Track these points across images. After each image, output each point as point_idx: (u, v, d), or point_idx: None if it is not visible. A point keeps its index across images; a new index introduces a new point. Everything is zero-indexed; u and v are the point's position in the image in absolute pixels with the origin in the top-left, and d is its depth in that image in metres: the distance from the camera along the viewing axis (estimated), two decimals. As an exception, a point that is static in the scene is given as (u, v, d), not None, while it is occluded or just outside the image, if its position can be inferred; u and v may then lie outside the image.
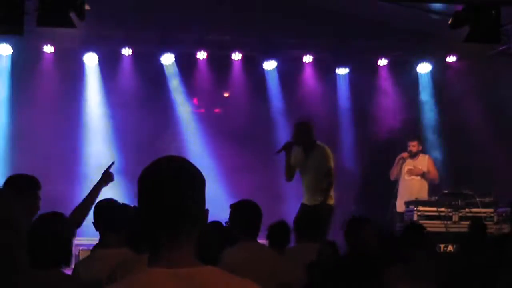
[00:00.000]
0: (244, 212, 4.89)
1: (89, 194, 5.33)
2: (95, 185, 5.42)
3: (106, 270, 3.90)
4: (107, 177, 5.47)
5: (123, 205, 4.70)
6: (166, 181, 1.92)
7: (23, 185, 4.80)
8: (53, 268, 3.40)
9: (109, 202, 4.65)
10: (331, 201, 8.09)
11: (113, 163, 5.66)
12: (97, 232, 4.71)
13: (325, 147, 8.27)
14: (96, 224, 4.63)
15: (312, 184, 8.12)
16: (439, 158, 10.91)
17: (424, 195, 9.60)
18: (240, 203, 4.99)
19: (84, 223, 5.14)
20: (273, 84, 11.59)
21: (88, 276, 4.08)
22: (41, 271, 3.31)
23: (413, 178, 9.89)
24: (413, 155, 9.85)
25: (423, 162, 9.92)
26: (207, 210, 1.99)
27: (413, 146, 9.89)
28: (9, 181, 4.82)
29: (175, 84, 11.44)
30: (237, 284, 1.94)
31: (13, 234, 1.87)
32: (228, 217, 5.00)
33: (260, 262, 4.49)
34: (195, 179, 1.97)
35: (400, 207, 9.51)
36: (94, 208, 4.69)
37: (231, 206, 4.99)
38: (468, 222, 8.44)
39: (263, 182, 10.46)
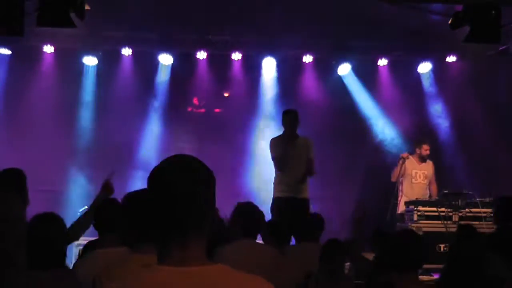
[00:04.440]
0: (246, 212, 4.93)
1: (89, 207, 5.11)
2: (95, 198, 5.14)
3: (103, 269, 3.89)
4: (107, 188, 5.15)
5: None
6: (178, 180, 1.92)
7: (12, 179, 4.78)
8: (47, 270, 3.39)
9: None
10: None
11: (112, 173, 5.35)
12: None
13: (309, 138, 8.41)
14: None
15: (299, 175, 8.14)
16: (439, 158, 10.91)
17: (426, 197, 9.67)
18: (242, 204, 5.03)
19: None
20: (273, 84, 11.58)
21: (87, 275, 4.07)
22: (36, 272, 3.30)
23: (420, 182, 9.90)
24: (425, 159, 9.87)
25: (429, 167, 9.94)
26: (217, 209, 2.00)
27: (426, 150, 9.86)
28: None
29: (174, 84, 11.44)
30: (248, 281, 1.95)
31: (12, 234, 1.86)
32: (230, 215, 5.03)
33: (259, 260, 4.52)
34: (206, 178, 1.99)
35: (402, 208, 9.49)
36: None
37: (236, 206, 5.02)
38: (468, 222, 8.46)
39: (263, 181, 10.46)
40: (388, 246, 4.09)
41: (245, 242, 4.81)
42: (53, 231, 3.49)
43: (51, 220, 3.56)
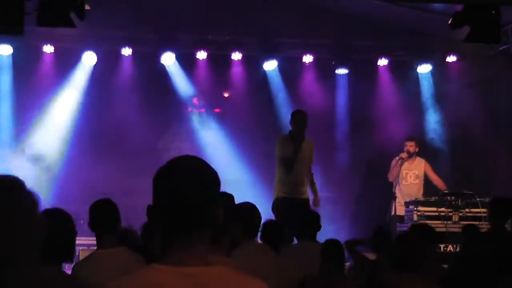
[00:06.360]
0: (245, 213, 4.91)
1: None
2: None
3: (104, 270, 3.90)
4: None
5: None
6: (183, 182, 1.93)
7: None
8: (54, 265, 3.39)
9: (104, 202, 4.61)
10: None
11: None
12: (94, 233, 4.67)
13: (312, 140, 8.45)
14: (91, 224, 4.59)
15: (302, 176, 8.27)
16: (439, 158, 10.91)
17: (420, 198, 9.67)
18: (241, 205, 5.01)
19: (84, 222, 5.10)
20: (273, 84, 11.58)
21: (87, 277, 4.07)
22: (43, 267, 3.29)
23: (411, 182, 9.90)
24: (410, 156, 9.84)
25: (420, 167, 9.94)
26: (221, 210, 1.99)
27: (411, 146, 9.88)
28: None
29: (175, 84, 11.44)
30: (245, 283, 1.94)
31: (19, 229, 1.87)
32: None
33: (263, 260, 4.53)
34: (211, 179, 1.98)
35: (399, 210, 9.48)
36: (90, 208, 4.63)
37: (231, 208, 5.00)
38: (467, 222, 8.46)
39: (263, 181, 10.46)
40: (395, 245, 4.04)
41: (250, 245, 4.80)
42: (63, 226, 3.48)
43: (60, 215, 3.56)
